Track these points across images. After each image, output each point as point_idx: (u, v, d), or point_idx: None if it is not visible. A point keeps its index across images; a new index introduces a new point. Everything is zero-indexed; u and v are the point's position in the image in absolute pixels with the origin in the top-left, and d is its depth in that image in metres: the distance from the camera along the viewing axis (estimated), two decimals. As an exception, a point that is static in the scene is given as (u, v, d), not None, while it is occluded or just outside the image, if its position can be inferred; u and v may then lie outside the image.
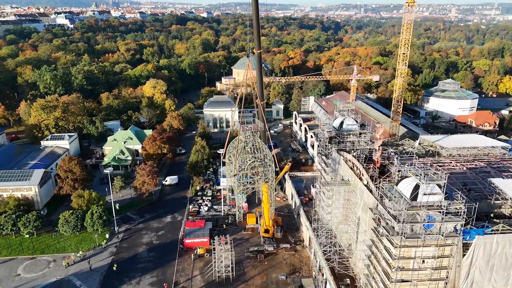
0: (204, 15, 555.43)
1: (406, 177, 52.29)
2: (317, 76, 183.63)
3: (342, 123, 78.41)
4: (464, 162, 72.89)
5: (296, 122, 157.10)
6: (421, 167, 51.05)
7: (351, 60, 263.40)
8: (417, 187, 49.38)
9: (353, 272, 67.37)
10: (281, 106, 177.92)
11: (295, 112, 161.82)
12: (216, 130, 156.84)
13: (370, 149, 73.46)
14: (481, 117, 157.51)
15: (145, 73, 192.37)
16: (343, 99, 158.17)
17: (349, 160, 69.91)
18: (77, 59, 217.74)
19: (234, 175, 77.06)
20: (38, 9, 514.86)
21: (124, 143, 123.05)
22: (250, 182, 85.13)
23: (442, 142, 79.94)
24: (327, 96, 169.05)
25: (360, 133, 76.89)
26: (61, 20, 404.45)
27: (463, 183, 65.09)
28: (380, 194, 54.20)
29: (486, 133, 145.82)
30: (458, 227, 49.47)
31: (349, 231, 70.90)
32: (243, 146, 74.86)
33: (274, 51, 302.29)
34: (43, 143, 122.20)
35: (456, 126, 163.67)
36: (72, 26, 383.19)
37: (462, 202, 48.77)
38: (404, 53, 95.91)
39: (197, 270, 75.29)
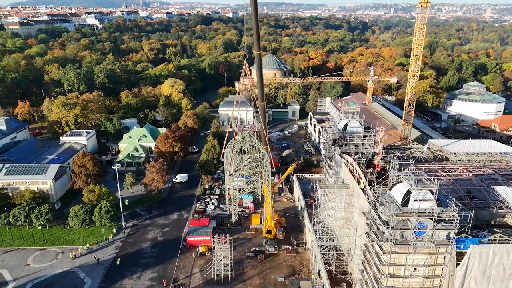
0: (230, 15, 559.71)
1: (400, 182, 51.23)
2: (336, 77, 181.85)
3: (346, 125, 77.55)
4: (472, 168, 70.51)
5: (311, 123, 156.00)
6: (415, 173, 49.71)
7: (374, 61, 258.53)
8: (408, 192, 48.29)
9: (350, 277, 66.42)
10: (297, 107, 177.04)
11: (310, 113, 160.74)
12: (231, 129, 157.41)
13: (374, 152, 72.42)
14: (505, 122, 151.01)
15: (165, 72, 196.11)
16: (360, 100, 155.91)
17: (349, 163, 68.94)
18: (102, 58, 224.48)
19: (229, 175, 77.46)
20: (71, 9, 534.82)
21: (139, 140, 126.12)
22: (247, 182, 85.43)
23: (451, 147, 77.55)
24: (344, 98, 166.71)
25: (365, 136, 75.87)
26: (91, 20, 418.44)
27: (467, 190, 62.99)
28: (374, 199, 53.21)
29: (511, 138, 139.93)
30: (452, 235, 47.90)
31: (349, 235, 69.88)
32: (239, 147, 75.16)
33: (295, 52, 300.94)
34: (62, 138, 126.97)
35: (479, 131, 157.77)
36: (101, 26, 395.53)
37: (455, 210, 47.16)
38: (416, 55, 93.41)
39: (197, 268, 76.27)
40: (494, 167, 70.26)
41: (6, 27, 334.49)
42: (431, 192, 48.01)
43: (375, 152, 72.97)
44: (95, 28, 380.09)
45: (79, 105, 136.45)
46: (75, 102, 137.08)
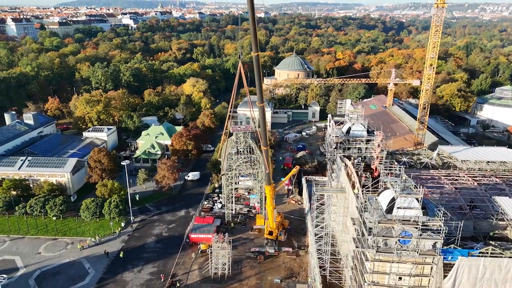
0: (262, 15, 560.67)
1: (387, 188, 49.91)
2: (359, 79, 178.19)
3: (350, 128, 76.25)
4: (480, 177, 67.36)
5: (329, 125, 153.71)
6: (403, 179, 48.24)
7: (403, 62, 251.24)
8: (393, 199, 46.96)
9: (344, 283, 65.31)
10: (317, 108, 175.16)
11: (329, 115, 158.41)
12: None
13: (378, 157, 70.67)
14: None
15: (189, 71, 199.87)
16: (381, 103, 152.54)
17: (348, 167, 67.70)
18: (131, 57, 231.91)
19: (222, 175, 77.96)
20: (108, 9, 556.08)
21: (156, 138, 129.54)
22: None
23: (461, 154, 74.33)
24: (364, 100, 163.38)
25: (368, 140, 74.28)
26: (126, 20, 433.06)
27: (470, 200, 60.37)
28: (360, 204, 52.10)
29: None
30: (438, 246, 46.10)
31: (347, 241, 68.64)
32: (235, 147, 75.54)
33: (323, 52, 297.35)
34: (85, 134, 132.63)
35: (509, 137, 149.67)
36: (135, 26, 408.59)
37: (442, 219, 45.34)
38: (432, 57, 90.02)
39: (196, 265, 77.50)
40: (504, 176, 66.68)
41: (46, 26, 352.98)
42: (417, 200, 46.44)
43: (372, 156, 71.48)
44: (129, 28, 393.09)
45: (102, 102, 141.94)
46: (98, 99, 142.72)
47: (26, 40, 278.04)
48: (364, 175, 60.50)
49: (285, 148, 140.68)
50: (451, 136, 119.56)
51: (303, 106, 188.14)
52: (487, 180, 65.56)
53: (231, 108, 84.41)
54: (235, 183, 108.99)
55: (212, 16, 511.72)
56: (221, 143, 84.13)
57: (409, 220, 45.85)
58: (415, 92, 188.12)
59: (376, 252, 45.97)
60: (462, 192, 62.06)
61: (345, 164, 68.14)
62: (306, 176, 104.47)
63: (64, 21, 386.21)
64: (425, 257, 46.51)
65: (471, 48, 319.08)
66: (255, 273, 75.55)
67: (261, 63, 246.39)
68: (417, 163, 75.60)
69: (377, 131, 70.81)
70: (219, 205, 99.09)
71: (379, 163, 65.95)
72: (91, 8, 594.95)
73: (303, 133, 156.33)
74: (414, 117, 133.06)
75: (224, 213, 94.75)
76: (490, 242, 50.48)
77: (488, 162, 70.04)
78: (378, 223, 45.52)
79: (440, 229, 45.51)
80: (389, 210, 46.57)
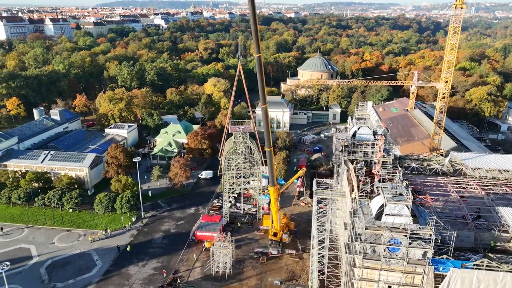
0: (292, 15, 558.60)
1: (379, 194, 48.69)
2: (382, 81, 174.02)
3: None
4: (491, 186, 64.29)
5: (349, 128, 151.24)
6: (395, 185, 46.89)
7: (433, 64, 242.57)
8: (383, 206, 45.78)
9: (342, 288, 64.17)
10: (338, 110, 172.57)
11: (349, 117, 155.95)
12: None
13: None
14: None
15: (212, 71, 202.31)
16: (403, 106, 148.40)
17: (350, 170, 66.43)
18: (158, 56, 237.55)
19: (220, 174, 78.36)
20: (142, 10, 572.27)
21: (173, 136, 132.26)
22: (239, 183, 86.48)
23: (473, 161, 71.21)
24: (386, 102, 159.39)
25: (375, 144, 72.45)
26: (158, 20, 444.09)
27: (476, 210, 57.79)
28: (351, 210, 51.09)
29: None
30: (429, 255, 44.45)
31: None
32: (233, 147, 75.77)
33: (351, 53, 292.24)
34: (106, 130, 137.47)
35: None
36: (166, 26, 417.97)
37: (433, 228, 43.69)
38: (449, 60, 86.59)
39: (199, 262, 78.61)
40: (517, 186, 63.24)
41: (82, 26, 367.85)
42: (408, 207, 45.03)
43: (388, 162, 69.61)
44: (160, 28, 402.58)
45: (124, 100, 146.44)
46: (121, 97, 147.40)
47: (61, 39, 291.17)
48: (363, 179, 59.18)
49: (301, 150, 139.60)
50: (473, 142, 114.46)
51: (324, 108, 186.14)
52: (497, 189, 62.43)
53: (231, 108, 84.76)
54: (243, 183, 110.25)
55: (242, 16, 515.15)
56: (221, 143, 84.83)
57: (398, 228, 44.50)
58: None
59: (363, 258, 44.92)
60: (468, 201, 59.42)
61: (348, 168, 66.91)
62: (317, 179, 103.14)
63: (99, 21, 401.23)
64: (415, 267, 44.97)
65: (509, 50, 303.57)
66: (256, 273, 75.71)
67: (286, 64, 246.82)
68: (427, 169, 73.02)
69: (379, 135, 68.91)
70: (229, 204, 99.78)
71: (383, 168, 64.24)
72: (126, 9, 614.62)
73: (322, 135, 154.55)
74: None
75: (232, 213, 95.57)
76: (489, 254, 48.09)
77: (501, 170, 66.61)
78: (366, 229, 44.48)
79: (431, 238, 43.78)
80: (378, 216, 45.44)
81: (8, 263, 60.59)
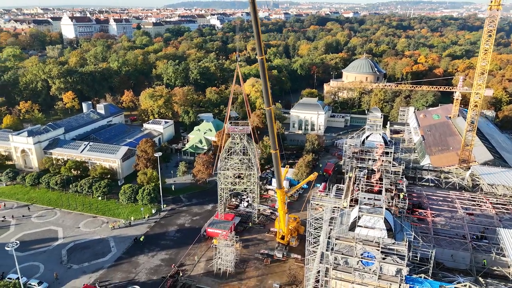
0: (350, 15, 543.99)
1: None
2: (421, 86, 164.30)
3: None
4: (504, 204, 58.73)
5: (388, 133, 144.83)
6: (374, 197, 44.68)
7: (495, 69, 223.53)
8: (359, 217, 43.88)
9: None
10: (379, 114, 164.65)
11: (389, 122, 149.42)
12: (300, 131, 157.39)
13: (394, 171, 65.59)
14: None
15: (253, 71, 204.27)
16: (447, 113, 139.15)
17: (351, 178, 64.13)
18: (205, 56, 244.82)
19: (215, 173, 78.82)
20: (201, 11, 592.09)
21: (204, 133, 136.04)
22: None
23: (493, 176, 65.23)
24: (429, 108, 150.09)
25: (387, 152, 69.19)
26: (214, 21, 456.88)
27: (483, 229, 53.20)
28: (332, 218, 49.45)
29: None
30: (404, 273, 41.83)
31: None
32: (229, 147, 75.97)
33: (406, 55, 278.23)
34: (144, 125, 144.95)
35: None
36: (221, 26, 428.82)
37: (405, 245, 41.02)
38: (483, 65, 79.49)
39: (204, 258, 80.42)
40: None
41: (142, 26, 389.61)
42: (386, 220, 42.72)
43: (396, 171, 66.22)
44: (215, 28, 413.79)
45: (164, 97, 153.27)
46: (160, 94, 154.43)
47: (122, 39, 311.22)
48: (356, 188, 56.90)
49: (332, 154, 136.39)
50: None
51: (366, 111, 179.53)
52: (511, 209, 56.75)
53: (229, 108, 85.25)
54: (269, 184, 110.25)
55: (297, 16, 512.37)
56: (222, 143, 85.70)
57: (372, 241, 42.41)
58: (498, 103, 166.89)
59: (333, 269, 43.46)
60: (476, 219, 54.77)
61: (349, 176, 64.67)
62: (337, 185, 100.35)
63: (158, 21, 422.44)
64: (390, 283, 42.59)
65: None
66: (257, 274, 75.84)
67: (332, 65, 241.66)
68: (442, 182, 68.27)
69: (379, 143, 65.53)
70: (245, 204, 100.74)
71: (386, 178, 61.23)
72: (187, 9, 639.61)
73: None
74: (480, 132, 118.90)
75: (248, 212, 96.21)
76: (480, 279, 44.09)
77: (522, 188, 60.26)
78: (336, 239, 42.98)
79: (405, 255, 41.20)
80: (352, 227, 43.64)
81: (18, 241, 66.86)
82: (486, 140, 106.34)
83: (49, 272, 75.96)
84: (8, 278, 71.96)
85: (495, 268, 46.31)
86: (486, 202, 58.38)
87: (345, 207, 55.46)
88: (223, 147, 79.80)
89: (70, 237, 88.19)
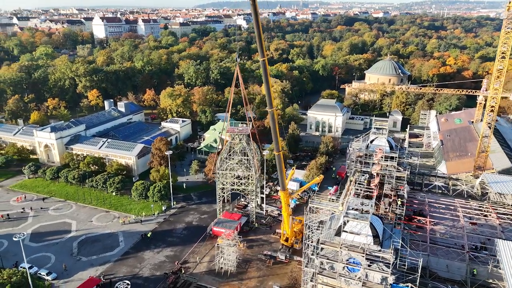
0: (380, 15, 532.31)
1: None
2: (450, 88, 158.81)
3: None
4: (510, 214, 56.04)
5: (406, 136, 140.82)
6: (362, 202, 43.75)
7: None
8: (345, 222, 43.14)
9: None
10: (399, 117, 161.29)
11: (409, 126, 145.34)
12: (317, 133, 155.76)
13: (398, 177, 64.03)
14: None
15: (274, 72, 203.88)
16: (469, 117, 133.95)
17: (351, 183, 62.99)
18: (228, 56, 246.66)
19: (213, 173, 78.94)
20: (228, 11, 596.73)
21: (219, 133, 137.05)
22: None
23: (503, 185, 62.29)
24: (452, 112, 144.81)
25: (391, 157, 67.55)
26: (240, 21, 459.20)
27: (485, 239, 51.08)
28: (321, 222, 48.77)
29: None
30: (390, 281, 40.77)
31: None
32: (228, 148, 75.99)
33: (435, 56, 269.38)
34: (162, 124, 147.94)
35: None
36: (247, 26, 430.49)
37: (391, 253, 39.93)
38: (500, 69, 75.88)
39: (208, 257, 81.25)
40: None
41: (169, 26, 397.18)
42: (373, 226, 41.76)
43: (401, 177, 64.57)
44: (241, 28, 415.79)
45: (182, 97, 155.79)
46: (178, 93, 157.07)
47: (148, 38, 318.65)
48: (354, 193, 55.85)
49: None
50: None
51: (387, 114, 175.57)
52: (521, 219, 53.99)
53: (228, 109, 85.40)
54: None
55: (324, 16, 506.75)
56: (222, 142, 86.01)
57: (358, 247, 41.60)
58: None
59: (318, 273, 42.95)
60: (478, 229, 52.55)
61: (350, 179, 63.54)
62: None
63: (184, 22, 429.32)
64: (375, 291, 41.61)
65: None
66: (258, 275, 75.85)
67: (356, 66, 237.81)
68: (450, 189, 65.89)
69: (378, 147, 63.84)
70: (254, 204, 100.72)
71: (388, 183, 59.81)
72: (215, 10, 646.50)
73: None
74: (502, 138, 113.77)
75: (256, 213, 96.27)
76: (472, 291, 42.32)
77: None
78: (322, 243, 42.45)
79: (391, 263, 40.13)
80: (338, 232, 42.94)
81: (24, 233, 69.89)
82: (507, 146, 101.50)
83: (59, 263, 79.03)
84: (21, 267, 75.42)
85: (491, 280, 44.29)
86: (491, 212, 55.85)
87: (341, 211, 54.61)
88: (223, 147, 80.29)
89: (83, 230, 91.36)
